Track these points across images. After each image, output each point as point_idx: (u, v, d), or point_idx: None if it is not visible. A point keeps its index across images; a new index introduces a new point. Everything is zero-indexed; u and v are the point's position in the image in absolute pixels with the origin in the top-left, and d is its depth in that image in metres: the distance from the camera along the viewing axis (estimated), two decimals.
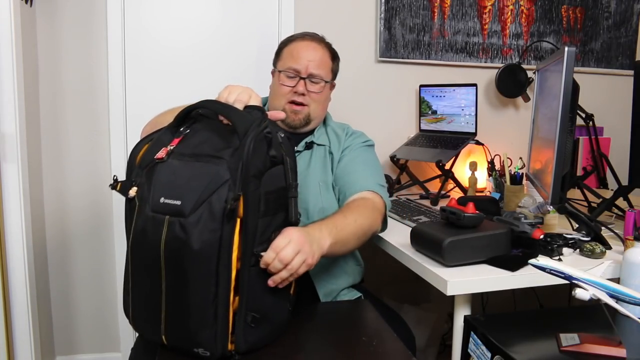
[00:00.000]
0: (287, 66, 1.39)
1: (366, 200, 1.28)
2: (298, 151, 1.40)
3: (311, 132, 1.45)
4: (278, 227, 0.96)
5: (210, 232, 0.88)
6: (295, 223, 0.99)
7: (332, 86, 1.50)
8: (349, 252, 1.31)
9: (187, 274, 0.89)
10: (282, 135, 1.00)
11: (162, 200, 0.91)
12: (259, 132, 0.93)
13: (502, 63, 2.29)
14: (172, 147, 0.97)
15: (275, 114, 1.10)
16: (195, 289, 0.89)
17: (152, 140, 1.03)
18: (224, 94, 1.05)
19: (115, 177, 1.03)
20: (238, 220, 0.89)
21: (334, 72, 1.48)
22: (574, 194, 1.80)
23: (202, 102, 1.02)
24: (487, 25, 2.30)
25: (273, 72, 1.48)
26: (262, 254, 0.93)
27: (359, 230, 1.20)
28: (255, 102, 1.05)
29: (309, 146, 1.42)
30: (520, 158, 1.75)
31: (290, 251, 0.93)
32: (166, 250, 0.90)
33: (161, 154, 0.97)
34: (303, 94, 1.37)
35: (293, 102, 1.38)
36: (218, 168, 0.90)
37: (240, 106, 1.02)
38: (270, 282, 0.95)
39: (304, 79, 1.38)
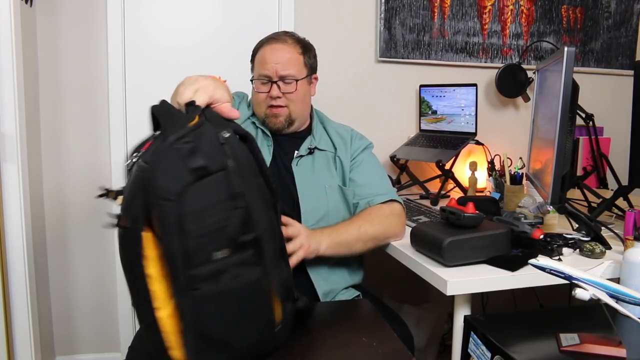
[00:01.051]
0: (258, 73, 1.38)
1: (381, 208, 1.36)
2: (300, 155, 1.40)
3: (303, 132, 1.45)
4: (224, 245, 0.82)
5: (129, 249, 0.85)
6: (248, 240, 0.84)
7: (315, 79, 1.47)
8: (358, 253, 1.34)
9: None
10: (227, 135, 0.85)
11: (121, 213, 0.86)
12: (168, 146, 0.80)
13: (502, 63, 2.29)
14: (142, 152, 0.87)
15: (228, 112, 0.94)
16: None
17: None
18: (181, 90, 0.95)
19: (105, 188, 0.93)
20: (143, 235, 0.81)
21: (310, 66, 1.43)
22: (574, 194, 1.80)
23: (154, 105, 0.91)
24: (487, 25, 2.30)
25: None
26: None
27: (364, 235, 1.30)
28: (220, 93, 0.94)
29: (311, 151, 1.42)
30: (520, 158, 1.75)
31: (297, 243, 1.17)
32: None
33: (131, 158, 0.88)
34: (279, 97, 1.36)
35: (271, 107, 1.38)
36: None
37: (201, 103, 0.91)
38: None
39: (275, 82, 1.36)
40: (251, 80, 1.43)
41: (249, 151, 0.89)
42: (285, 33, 1.43)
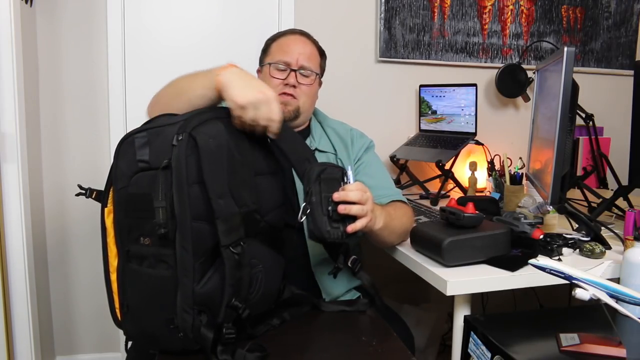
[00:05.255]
0: (277, 59, 1.36)
1: (407, 206, 1.36)
2: None
3: (302, 132, 1.42)
4: (145, 233, 0.93)
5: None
6: (163, 235, 0.91)
7: (320, 83, 1.47)
8: (387, 245, 1.32)
9: None
10: (180, 138, 0.91)
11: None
12: (129, 135, 0.96)
13: (502, 63, 2.29)
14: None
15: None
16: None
17: None
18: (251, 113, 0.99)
19: (81, 186, 1.08)
20: (105, 211, 0.99)
21: (322, 69, 1.45)
22: (574, 194, 1.80)
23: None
24: (487, 25, 2.30)
25: (259, 70, 1.45)
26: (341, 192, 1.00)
27: (401, 227, 1.28)
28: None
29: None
30: (520, 158, 1.75)
31: (364, 209, 1.03)
32: None
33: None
34: (294, 86, 1.35)
35: (283, 94, 1.34)
36: None
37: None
38: (341, 208, 0.99)
39: (294, 70, 1.35)
40: (260, 66, 1.43)
41: (197, 159, 0.91)
42: (305, 32, 1.45)
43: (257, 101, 0.98)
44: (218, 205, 0.90)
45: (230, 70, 1.02)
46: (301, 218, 0.98)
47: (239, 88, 0.99)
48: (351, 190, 1.01)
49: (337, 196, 1.00)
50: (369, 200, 1.05)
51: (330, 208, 0.99)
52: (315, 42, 1.43)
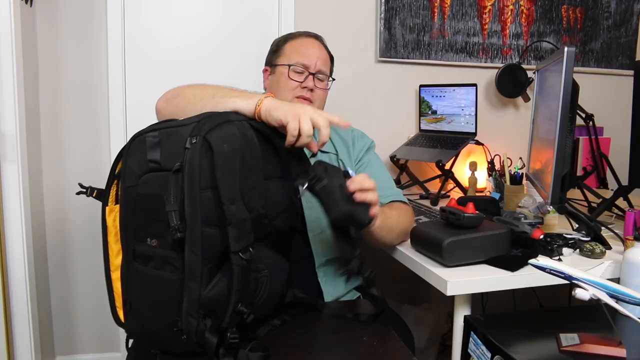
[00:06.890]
0: (295, 61, 1.37)
1: (407, 207, 1.36)
2: None
3: None
4: (153, 234, 0.91)
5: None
6: (179, 239, 0.88)
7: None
8: (387, 245, 1.31)
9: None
10: (194, 141, 0.88)
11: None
12: (140, 134, 0.93)
13: (502, 63, 2.29)
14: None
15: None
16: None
17: None
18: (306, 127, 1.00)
19: (82, 185, 1.05)
20: (107, 209, 0.96)
21: (331, 73, 1.48)
22: (574, 194, 1.80)
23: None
24: (487, 25, 2.30)
25: (269, 70, 1.45)
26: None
27: (399, 226, 1.28)
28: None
29: (314, 153, 1.39)
30: (520, 158, 1.75)
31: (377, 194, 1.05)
32: None
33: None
34: (311, 90, 1.36)
35: (300, 98, 1.36)
36: None
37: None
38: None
39: (312, 74, 1.37)
40: (271, 66, 1.42)
41: (210, 164, 0.88)
42: (319, 35, 1.47)
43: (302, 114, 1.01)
44: (230, 211, 0.88)
45: (269, 97, 1.03)
46: (302, 194, 0.98)
47: (281, 107, 1.01)
48: (360, 180, 1.02)
49: (356, 182, 1.00)
50: (376, 189, 1.06)
51: (344, 193, 0.99)
52: (327, 47, 1.45)
